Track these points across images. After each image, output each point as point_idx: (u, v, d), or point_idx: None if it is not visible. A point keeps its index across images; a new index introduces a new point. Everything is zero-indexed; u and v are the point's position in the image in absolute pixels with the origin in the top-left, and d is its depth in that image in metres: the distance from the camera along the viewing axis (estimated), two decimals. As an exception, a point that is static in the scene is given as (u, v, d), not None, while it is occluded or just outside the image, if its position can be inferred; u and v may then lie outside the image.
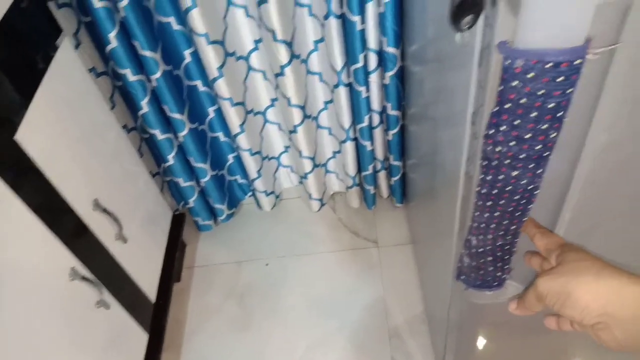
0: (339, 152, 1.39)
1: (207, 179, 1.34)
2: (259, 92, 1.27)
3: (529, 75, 0.43)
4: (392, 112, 1.20)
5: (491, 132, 0.50)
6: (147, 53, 1.04)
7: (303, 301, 1.36)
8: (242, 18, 1.11)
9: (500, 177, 0.53)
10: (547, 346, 0.98)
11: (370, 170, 1.37)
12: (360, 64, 1.10)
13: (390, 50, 1.07)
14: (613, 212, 0.65)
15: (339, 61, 1.10)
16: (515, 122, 0.47)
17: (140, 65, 1.07)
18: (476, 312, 0.91)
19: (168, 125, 1.19)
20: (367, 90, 1.16)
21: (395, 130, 1.25)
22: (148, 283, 1.16)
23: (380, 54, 1.10)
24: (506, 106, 0.47)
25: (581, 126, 0.53)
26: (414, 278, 1.35)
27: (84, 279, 0.88)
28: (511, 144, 0.49)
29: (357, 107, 1.20)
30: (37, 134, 0.82)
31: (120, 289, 1.02)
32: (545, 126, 0.47)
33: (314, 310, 1.33)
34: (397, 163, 1.34)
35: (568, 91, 0.44)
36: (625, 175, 0.59)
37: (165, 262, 1.28)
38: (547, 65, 0.42)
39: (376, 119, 1.25)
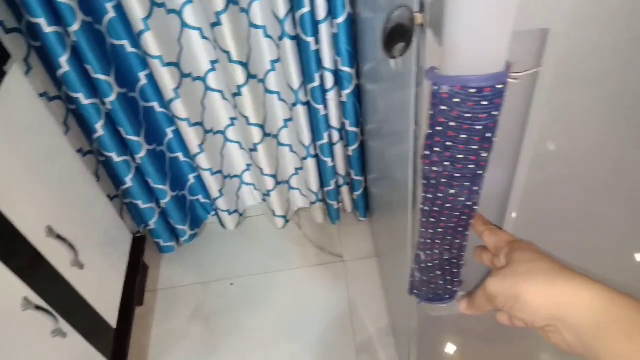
0: (301, 168, 1.41)
1: (167, 200, 1.34)
2: (217, 112, 1.28)
3: (455, 100, 0.46)
4: (351, 128, 1.23)
5: (427, 153, 0.53)
6: (101, 76, 1.04)
7: (270, 320, 1.36)
8: (197, 40, 1.12)
9: (440, 195, 0.56)
10: (515, 353, 1.02)
11: (332, 186, 1.39)
12: (317, 83, 1.13)
13: (346, 69, 1.10)
14: (554, 220, 0.69)
15: (295, 80, 1.13)
16: (448, 144, 0.50)
17: (93, 88, 1.07)
18: (435, 323, 0.94)
19: (125, 147, 1.19)
20: (325, 108, 1.19)
21: (355, 146, 1.28)
22: (108, 308, 1.15)
23: (336, 73, 1.13)
24: (438, 129, 0.49)
25: (514, 142, 0.56)
26: (380, 291, 1.37)
27: (38, 308, 0.87)
28: (446, 164, 0.52)
29: (316, 124, 1.23)
30: (-15, 163, 0.81)
31: (77, 316, 1.01)
32: (475, 147, 0.50)
33: (281, 329, 1.34)
34: (358, 178, 1.37)
35: (493, 113, 0.47)
36: (561, 185, 0.63)
37: (125, 286, 1.27)
38: (471, 91, 0.45)
39: (336, 135, 1.27)
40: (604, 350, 0.38)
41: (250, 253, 1.52)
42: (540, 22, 0.45)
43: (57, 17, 0.96)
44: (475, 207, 0.58)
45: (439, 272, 0.70)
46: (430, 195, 0.57)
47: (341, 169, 1.37)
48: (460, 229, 0.61)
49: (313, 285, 1.42)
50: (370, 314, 1.34)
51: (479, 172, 0.53)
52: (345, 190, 1.45)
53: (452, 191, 0.55)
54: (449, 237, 0.62)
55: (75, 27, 0.96)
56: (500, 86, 0.45)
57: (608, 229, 0.71)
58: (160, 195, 1.33)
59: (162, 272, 1.51)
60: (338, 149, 1.31)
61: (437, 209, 0.58)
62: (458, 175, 0.53)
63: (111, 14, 1.01)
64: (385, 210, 1.14)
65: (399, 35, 0.50)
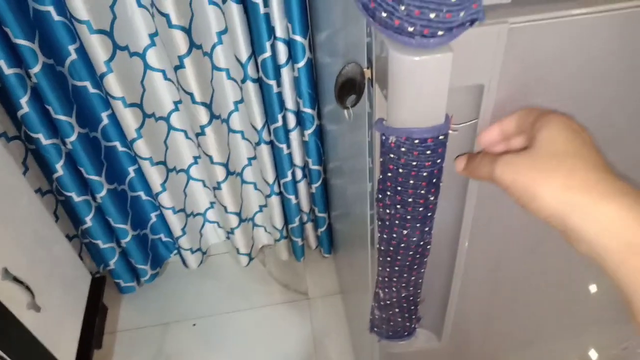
0: (265, 206, 1.43)
1: (128, 239, 1.33)
2: (181, 151, 1.30)
3: (402, 149, 0.50)
4: (314, 166, 1.27)
5: (380, 196, 0.56)
6: (61, 117, 1.05)
7: (232, 360, 1.36)
8: (160, 81, 1.15)
9: (394, 235, 0.59)
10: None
11: (297, 223, 1.42)
12: (279, 123, 1.17)
13: (307, 110, 1.14)
14: (508, 249, 0.74)
15: (259, 121, 1.16)
16: (398, 188, 0.54)
17: (54, 128, 1.08)
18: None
19: (85, 187, 1.19)
20: (289, 147, 1.23)
21: (317, 184, 1.31)
22: (65, 352, 1.13)
23: (298, 113, 1.17)
24: (389, 174, 0.53)
25: (460, 183, 0.61)
26: (345, 328, 1.39)
27: (-10, 356, 0.85)
28: (397, 206, 0.56)
29: (279, 162, 1.26)
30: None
31: (32, 363, 0.99)
32: (423, 191, 0.54)
33: (244, 370, 1.33)
34: (322, 215, 1.40)
35: (438, 161, 0.51)
36: (509, 217, 0.68)
37: (84, 328, 1.24)
38: (416, 141, 0.49)
39: (299, 173, 1.31)
40: (630, 278, 0.33)
41: (213, 292, 1.52)
42: (476, 78, 0.50)
43: (17, 59, 0.97)
44: (428, 246, 0.62)
45: (397, 310, 0.73)
46: (385, 236, 0.61)
47: (305, 206, 1.40)
48: (416, 267, 0.64)
49: (277, 324, 1.42)
50: (336, 352, 1.35)
51: (428, 214, 0.57)
52: (309, 227, 1.48)
53: (404, 232, 0.58)
54: (405, 275, 0.65)
55: (36, 69, 0.98)
56: (442, 137, 0.49)
57: (562, 255, 0.75)
58: (120, 235, 1.32)
59: (122, 313, 1.48)
60: (301, 186, 1.34)
61: (392, 248, 0.61)
62: (409, 217, 0.56)
63: (73, 56, 1.03)
64: (348, 247, 1.17)
65: (350, 88, 0.55)
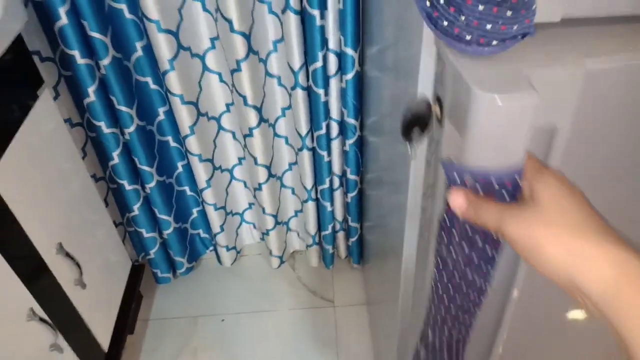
0: (300, 211, 1.48)
1: (170, 231, 1.39)
2: (227, 151, 1.36)
3: (477, 189, 0.46)
4: (351, 176, 1.31)
5: (443, 234, 0.53)
6: (123, 108, 1.12)
7: (256, 357, 1.39)
8: (216, 83, 1.22)
9: (455, 275, 0.56)
10: None
11: (329, 230, 1.45)
12: (323, 131, 1.21)
13: (350, 121, 1.19)
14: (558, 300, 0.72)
15: (304, 127, 1.22)
16: (468, 228, 0.50)
17: (115, 118, 1.15)
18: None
19: (136, 176, 1.26)
20: (329, 155, 1.27)
21: (353, 194, 1.35)
22: (102, 332, 1.19)
23: (342, 123, 1.22)
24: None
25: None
26: (367, 339, 1.41)
27: (42, 320, 0.91)
28: (465, 247, 0.52)
29: (319, 169, 1.31)
30: (10, 177, 0.88)
31: (74, 335, 1.04)
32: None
33: (267, 368, 1.36)
34: (354, 225, 1.43)
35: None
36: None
37: (120, 312, 1.30)
38: (492, 183, 0.45)
39: (337, 181, 1.35)
40: (623, 318, 0.34)
41: (243, 291, 1.56)
42: (550, 120, 0.49)
43: (90, 50, 1.05)
44: (487, 288, 0.60)
45: (446, 353, 0.71)
46: (445, 275, 0.57)
47: (339, 214, 1.44)
48: (472, 310, 0.62)
49: (302, 329, 1.45)
50: (357, 358, 1.37)
51: (496, 256, 0.54)
52: (341, 235, 1.51)
53: (469, 273, 0.54)
54: (460, 317, 0.63)
55: (105, 61, 1.06)
56: (519, 178, 0.45)
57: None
58: (163, 226, 1.39)
59: (156, 302, 1.54)
60: (338, 194, 1.38)
61: (451, 289, 0.58)
62: (476, 258, 0.53)
63: (139, 52, 1.11)
64: (379, 259, 1.20)
65: (416, 124, 0.55)
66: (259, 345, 1.42)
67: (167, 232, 1.40)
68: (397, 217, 0.82)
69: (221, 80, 1.22)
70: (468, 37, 0.43)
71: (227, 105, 1.27)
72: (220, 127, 1.31)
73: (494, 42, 0.43)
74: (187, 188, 1.40)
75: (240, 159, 1.38)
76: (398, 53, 0.73)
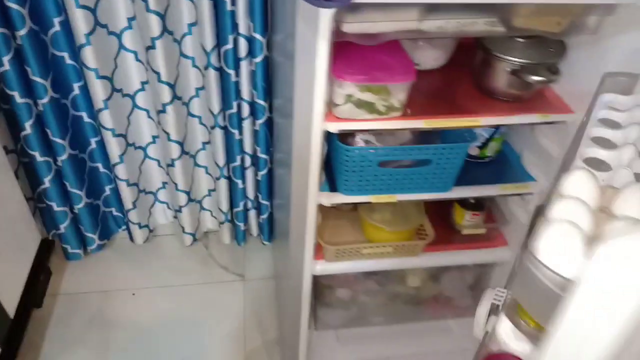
0: (214, 190, 1.57)
1: (81, 205, 1.44)
2: (141, 128, 1.44)
3: None
4: (262, 155, 1.43)
5: None
6: (38, 79, 1.18)
7: (167, 330, 1.46)
8: (132, 61, 1.30)
9: None
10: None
11: (241, 208, 1.56)
12: (234, 110, 1.33)
13: (260, 102, 1.32)
14: None
15: (216, 106, 1.32)
16: None
17: (29, 89, 1.20)
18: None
19: (49, 149, 1.31)
20: (240, 133, 1.39)
21: (264, 172, 1.47)
22: (8, 298, 1.22)
23: (252, 104, 1.34)
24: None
25: None
26: (273, 309, 1.53)
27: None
28: None
29: (231, 147, 1.42)
30: None
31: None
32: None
33: (178, 339, 1.44)
34: (265, 202, 1.55)
35: None
36: None
37: (28, 283, 1.33)
38: None
39: (248, 160, 1.47)
40: None
41: (155, 268, 1.63)
42: None
43: (6, 20, 1.10)
44: None
45: None
46: None
47: (251, 192, 1.56)
48: None
49: (211, 301, 1.55)
50: (262, 327, 1.48)
51: None
52: (252, 213, 1.62)
53: None
54: None
55: (22, 32, 1.11)
56: None
57: None
58: (75, 200, 1.43)
59: (66, 277, 1.57)
60: (249, 173, 1.50)
61: None
62: None
63: (57, 27, 1.17)
64: (283, 235, 1.33)
65: None
66: (169, 317, 1.50)
67: (78, 207, 1.45)
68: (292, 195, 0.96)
69: (137, 59, 1.30)
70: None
71: (142, 84, 1.35)
72: (134, 105, 1.39)
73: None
74: (100, 165, 1.46)
75: (154, 137, 1.46)
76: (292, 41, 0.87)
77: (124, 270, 1.61)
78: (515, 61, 0.95)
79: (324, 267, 1.22)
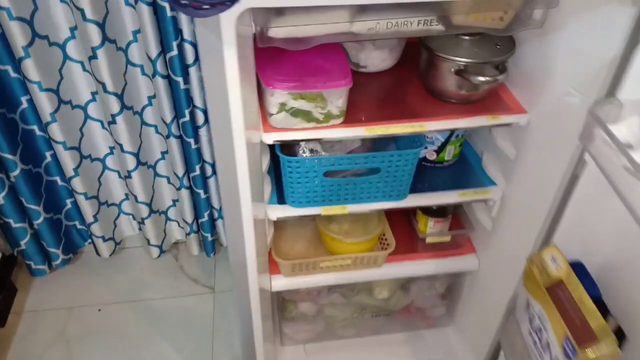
0: (177, 200, 1.54)
1: (40, 221, 1.42)
2: (97, 140, 1.41)
3: None
4: (222, 164, 1.39)
5: None
6: (-22, 94, 1.15)
7: (133, 347, 1.43)
8: (79, 71, 1.27)
9: None
10: None
11: (206, 218, 1.53)
12: (187, 118, 1.29)
13: (214, 108, 1.27)
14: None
15: (168, 114, 1.29)
16: None
17: (-29, 105, 1.17)
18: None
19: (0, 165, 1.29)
20: (197, 142, 1.35)
21: (226, 181, 1.43)
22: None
23: (206, 112, 1.30)
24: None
25: None
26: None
27: None
28: None
29: (189, 156, 1.38)
30: None
31: None
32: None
33: (142, 355, 1.41)
34: (231, 212, 1.51)
35: None
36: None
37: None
38: None
39: (209, 169, 1.43)
40: None
41: (123, 282, 1.60)
42: None
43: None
44: None
45: None
46: None
47: (216, 202, 1.52)
48: None
49: (179, 315, 1.51)
50: (229, 342, 1.44)
51: None
52: (221, 223, 1.59)
53: None
54: None
55: (-44, 47, 1.08)
56: None
57: None
58: (33, 216, 1.41)
59: (31, 294, 1.55)
60: (212, 182, 1.46)
61: None
62: None
63: (-5, 40, 1.14)
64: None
65: None
66: (134, 333, 1.47)
67: (37, 222, 1.42)
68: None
69: (84, 70, 1.27)
70: (184, 1, 0.53)
71: (93, 94, 1.31)
72: (87, 116, 1.35)
73: (205, 6, 0.54)
74: (57, 178, 1.43)
75: (111, 149, 1.43)
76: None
77: (90, 285, 1.58)
78: (459, 61, 0.89)
79: (281, 283, 1.19)
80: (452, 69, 0.91)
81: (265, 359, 1.20)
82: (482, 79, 0.88)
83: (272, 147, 0.97)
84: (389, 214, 1.21)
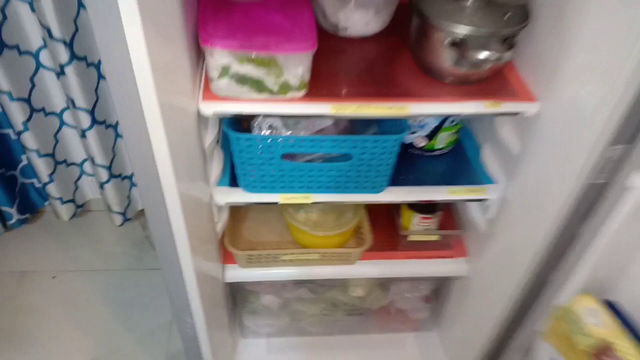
0: (144, 165, 1.40)
1: (-12, 176, 1.29)
2: (50, 91, 1.26)
3: None
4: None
5: None
6: None
7: (84, 319, 1.32)
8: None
9: None
10: None
11: (174, 188, 1.38)
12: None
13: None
14: None
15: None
16: None
17: None
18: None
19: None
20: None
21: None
22: None
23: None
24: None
25: None
26: (205, 304, 1.36)
27: None
28: None
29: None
30: None
31: None
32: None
33: (93, 333, 1.30)
34: (201, 183, 1.37)
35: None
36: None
37: None
38: None
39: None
40: None
41: (83, 248, 1.48)
42: None
43: None
44: None
45: None
46: None
47: (185, 171, 1.37)
48: None
49: (138, 290, 1.40)
50: (189, 325, 1.32)
51: None
52: (191, 194, 1.44)
53: None
54: None
55: None
56: None
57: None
58: (-20, 171, 1.28)
59: (-21, 255, 1.45)
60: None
61: None
62: None
63: None
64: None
65: None
66: (89, 305, 1.36)
67: (-15, 178, 1.30)
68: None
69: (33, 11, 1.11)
70: None
71: (44, 40, 1.16)
72: (39, 65, 1.20)
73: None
74: (10, 131, 1.30)
75: (67, 104, 1.28)
76: None
77: (47, 250, 1.47)
78: (456, 31, 0.71)
79: (236, 274, 1.04)
80: (448, 41, 0.72)
81: (215, 348, 1.07)
82: (484, 55, 0.70)
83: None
84: (370, 205, 1.05)
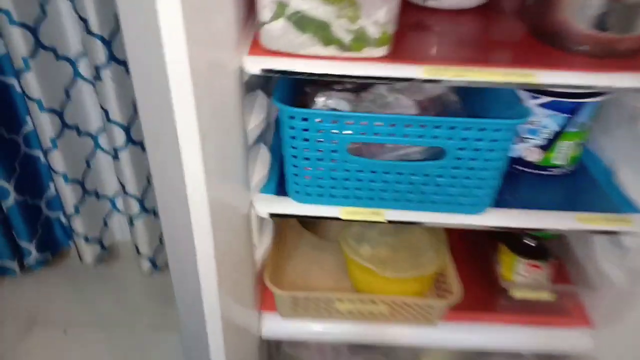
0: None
1: (10, 202, 1.13)
2: (86, 108, 1.13)
3: None
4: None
5: None
6: None
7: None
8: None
9: None
10: None
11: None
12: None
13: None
14: None
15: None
16: None
17: None
18: None
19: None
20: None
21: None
22: None
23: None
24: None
25: None
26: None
27: None
28: None
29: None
30: None
31: None
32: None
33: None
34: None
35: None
36: None
37: None
38: None
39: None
40: None
41: (102, 299, 1.28)
42: None
43: None
44: None
45: None
46: None
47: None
48: None
49: (160, 354, 1.16)
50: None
51: None
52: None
53: None
54: None
55: None
56: None
57: None
58: (2, 194, 1.13)
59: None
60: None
61: None
62: None
63: None
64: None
65: None
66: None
67: (6, 204, 1.14)
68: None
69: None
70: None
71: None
72: (76, 73, 1.08)
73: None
74: (40, 153, 1.16)
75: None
76: None
77: (63, 298, 1.27)
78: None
79: (275, 327, 0.80)
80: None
81: None
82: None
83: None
84: (455, 243, 0.80)
